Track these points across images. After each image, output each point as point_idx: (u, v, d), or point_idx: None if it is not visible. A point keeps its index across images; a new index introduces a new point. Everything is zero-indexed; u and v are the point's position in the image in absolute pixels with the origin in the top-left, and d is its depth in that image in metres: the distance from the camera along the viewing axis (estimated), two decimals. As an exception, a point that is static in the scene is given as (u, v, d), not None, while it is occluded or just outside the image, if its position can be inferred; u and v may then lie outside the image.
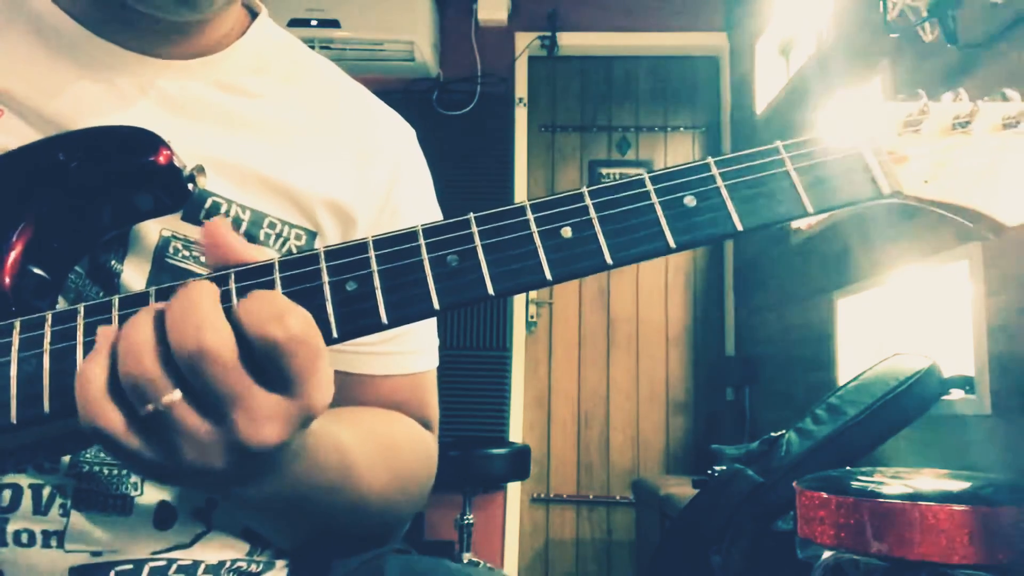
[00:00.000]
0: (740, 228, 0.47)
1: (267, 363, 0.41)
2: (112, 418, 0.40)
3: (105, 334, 0.42)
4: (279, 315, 0.40)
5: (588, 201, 0.47)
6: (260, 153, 0.65)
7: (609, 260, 0.46)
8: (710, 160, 0.48)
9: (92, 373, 0.41)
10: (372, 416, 0.69)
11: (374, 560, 0.68)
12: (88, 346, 0.44)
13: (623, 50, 3.77)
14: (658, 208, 0.46)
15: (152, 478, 0.45)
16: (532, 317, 3.57)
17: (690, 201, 0.47)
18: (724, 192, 0.47)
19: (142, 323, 0.41)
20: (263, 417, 0.41)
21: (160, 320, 0.41)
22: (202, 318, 0.39)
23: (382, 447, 0.65)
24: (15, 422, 0.44)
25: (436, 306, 0.45)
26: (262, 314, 0.40)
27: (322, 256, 0.45)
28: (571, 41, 3.71)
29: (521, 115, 3.68)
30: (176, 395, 0.40)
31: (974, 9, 1.63)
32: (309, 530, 0.61)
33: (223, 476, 0.44)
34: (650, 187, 0.47)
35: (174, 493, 0.61)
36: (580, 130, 3.78)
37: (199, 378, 0.40)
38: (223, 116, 0.65)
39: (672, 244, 0.46)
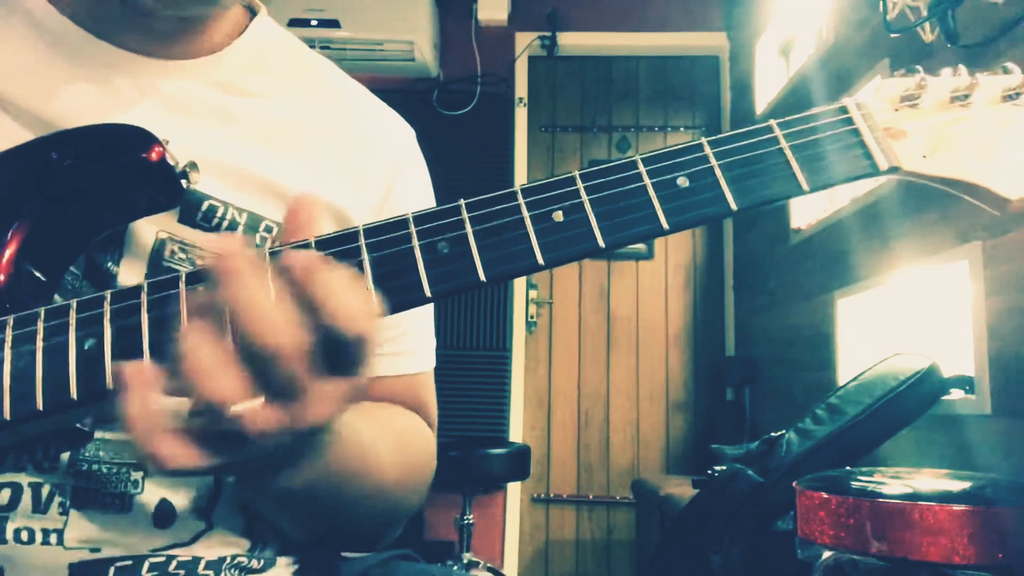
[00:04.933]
0: (735, 207, 0.46)
1: (334, 352, 0.40)
2: (176, 448, 0.40)
3: (137, 367, 0.40)
4: (356, 307, 0.39)
5: (580, 184, 0.46)
6: (258, 155, 0.65)
7: (601, 243, 0.45)
8: (703, 140, 0.48)
9: (142, 409, 0.40)
10: (381, 409, 0.70)
11: (381, 564, 0.67)
12: (80, 340, 0.44)
13: (623, 50, 3.77)
14: (650, 189, 0.46)
15: (218, 474, 0.45)
16: (532, 317, 3.57)
17: (683, 182, 0.46)
18: (718, 172, 0.47)
19: (204, 342, 0.39)
20: (322, 400, 0.41)
21: (217, 329, 0.40)
22: (274, 319, 0.38)
23: (394, 439, 0.65)
24: (9, 419, 0.44)
25: (427, 294, 0.44)
26: (338, 305, 0.39)
27: (313, 246, 0.45)
28: (571, 41, 3.71)
29: (521, 115, 3.68)
30: (258, 402, 0.40)
31: (974, 9, 1.63)
32: (326, 521, 0.61)
33: (270, 459, 0.43)
34: (642, 169, 0.47)
35: (173, 491, 0.61)
36: (580, 130, 3.78)
37: (273, 375, 0.39)
38: (221, 116, 0.65)
39: (665, 225, 0.46)
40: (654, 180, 0.46)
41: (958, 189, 0.49)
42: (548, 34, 3.68)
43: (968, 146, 0.48)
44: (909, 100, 0.50)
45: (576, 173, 0.47)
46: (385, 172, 0.73)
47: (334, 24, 3.28)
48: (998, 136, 0.48)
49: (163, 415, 0.40)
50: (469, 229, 0.45)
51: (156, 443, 0.40)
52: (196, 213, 0.61)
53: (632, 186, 0.46)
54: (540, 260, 0.45)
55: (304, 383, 0.40)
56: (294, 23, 3.24)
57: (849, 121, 0.49)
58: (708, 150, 0.47)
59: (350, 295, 0.40)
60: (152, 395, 0.40)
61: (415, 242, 0.45)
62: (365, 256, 0.45)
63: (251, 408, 0.39)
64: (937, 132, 0.49)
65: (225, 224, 0.62)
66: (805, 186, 0.47)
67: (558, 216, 0.45)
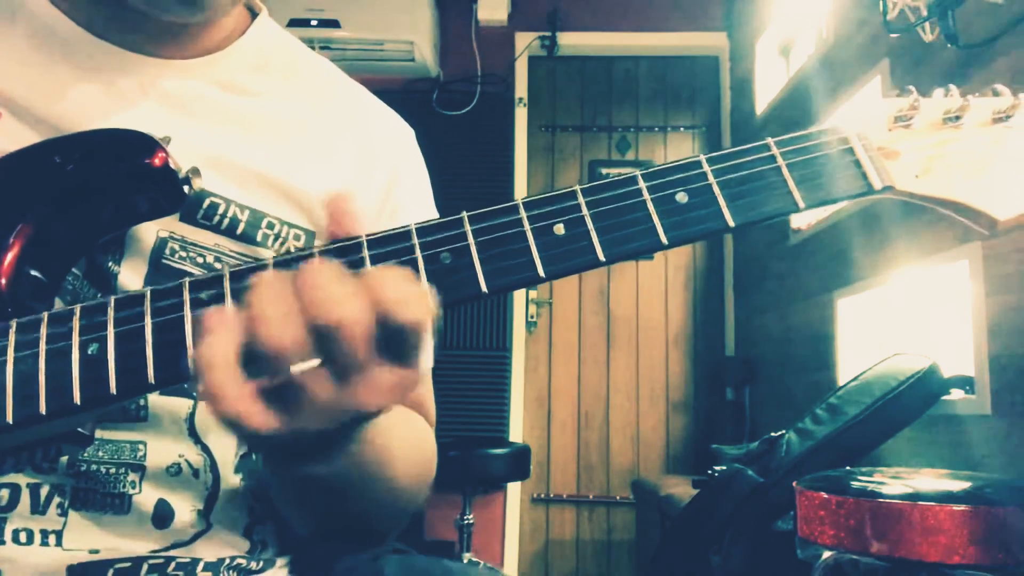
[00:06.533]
0: (732, 224, 0.47)
1: (394, 338, 0.42)
2: (247, 400, 0.41)
3: (219, 312, 0.42)
4: (414, 298, 0.41)
5: (581, 199, 0.47)
6: (260, 152, 0.65)
7: (601, 257, 0.46)
8: (701, 157, 0.49)
9: (213, 351, 0.41)
10: (395, 408, 0.70)
11: (374, 560, 0.68)
12: (84, 345, 0.45)
13: (623, 50, 3.77)
14: (650, 205, 0.47)
15: (259, 446, 0.46)
16: (532, 317, 3.57)
17: (682, 198, 0.47)
18: (716, 188, 0.47)
19: (279, 295, 0.41)
20: (380, 385, 0.42)
21: (294, 292, 0.41)
22: (342, 290, 0.41)
23: (407, 439, 0.65)
24: (11, 422, 0.44)
25: None
26: (397, 293, 0.41)
27: (317, 256, 0.45)
28: (571, 41, 3.71)
29: (521, 115, 3.68)
30: (316, 361, 0.41)
31: (974, 9, 1.63)
32: (338, 514, 0.61)
33: (326, 439, 0.45)
34: (642, 184, 0.47)
35: (171, 492, 0.61)
36: (580, 130, 3.78)
37: (333, 346, 0.41)
38: (223, 115, 0.65)
39: (664, 240, 0.46)
40: (654, 196, 0.47)
41: (949, 208, 0.50)
42: (548, 34, 3.68)
43: (959, 167, 0.49)
44: (902, 121, 0.51)
45: (577, 188, 0.48)
46: (386, 172, 0.73)
47: (334, 24, 3.28)
48: (988, 157, 0.50)
49: (234, 362, 0.41)
50: (471, 241, 0.46)
51: (220, 385, 0.40)
52: (197, 211, 0.62)
53: (632, 201, 0.47)
54: (541, 272, 0.45)
55: (364, 361, 0.41)
56: (294, 23, 3.24)
57: (845, 141, 0.50)
58: (706, 167, 0.48)
59: (402, 284, 0.42)
60: (227, 340, 0.41)
61: (418, 253, 0.45)
62: (368, 266, 0.45)
63: (310, 368, 0.41)
64: (929, 152, 0.50)
65: (226, 222, 0.63)
66: (801, 204, 0.48)
67: (559, 230, 0.46)
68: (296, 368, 0.41)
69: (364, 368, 0.42)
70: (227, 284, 0.45)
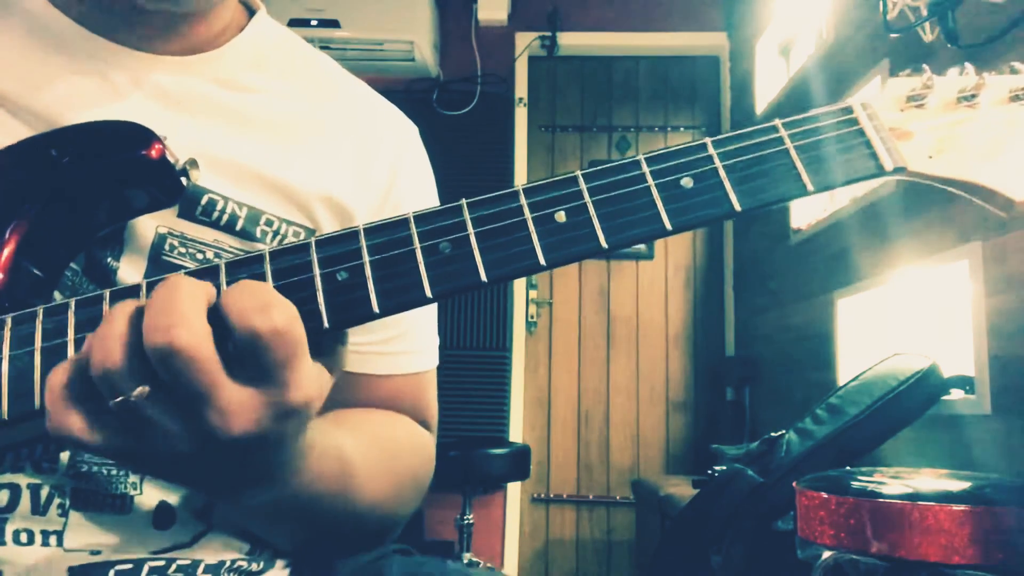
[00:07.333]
0: (739, 208, 0.45)
1: (246, 354, 0.40)
2: (71, 418, 0.41)
3: (88, 339, 0.42)
4: (264, 306, 0.40)
5: (582, 185, 0.46)
6: (258, 149, 0.64)
7: (604, 243, 0.45)
8: (707, 140, 0.47)
9: (54, 375, 0.41)
10: (374, 420, 0.69)
11: (376, 561, 0.67)
12: (79, 342, 0.44)
13: (623, 50, 3.77)
14: (654, 190, 0.46)
15: (129, 467, 0.45)
16: (532, 317, 3.57)
17: (687, 182, 0.46)
18: (722, 172, 0.46)
19: (117, 317, 0.41)
20: (234, 410, 0.41)
21: (138, 315, 0.41)
22: (177, 315, 0.39)
23: (383, 453, 0.65)
24: (7, 418, 0.44)
25: (428, 294, 0.44)
26: (246, 305, 0.40)
27: (313, 246, 0.45)
28: (571, 41, 3.71)
29: (521, 115, 3.68)
30: (145, 389, 0.40)
31: (974, 9, 1.63)
32: (308, 535, 0.62)
33: (199, 465, 0.44)
34: (646, 169, 0.46)
35: (174, 493, 0.61)
36: (580, 130, 3.78)
37: (169, 373, 0.40)
38: (220, 111, 0.64)
39: (668, 226, 0.45)
40: (657, 180, 0.46)
41: (963, 190, 0.48)
42: (548, 34, 3.68)
43: (974, 147, 0.48)
44: (915, 100, 0.49)
45: (579, 173, 0.46)
46: (388, 167, 0.72)
47: (334, 24, 3.28)
48: (1005, 137, 0.48)
49: (63, 382, 0.41)
50: (471, 229, 0.45)
51: (56, 406, 0.41)
52: (196, 207, 0.61)
53: (635, 187, 0.46)
54: (542, 261, 0.44)
55: (208, 385, 0.40)
56: (294, 23, 3.24)
57: (854, 121, 0.48)
58: (712, 150, 0.47)
59: (245, 293, 0.41)
60: (67, 362, 0.42)
61: (416, 242, 0.45)
62: (365, 257, 0.45)
63: (144, 393, 0.40)
64: (943, 133, 0.48)
65: (225, 218, 0.62)
66: (810, 187, 0.46)
67: (560, 216, 0.45)
68: (136, 393, 0.40)
69: (209, 394, 0.40)
70: (223, 276, 0.45)
